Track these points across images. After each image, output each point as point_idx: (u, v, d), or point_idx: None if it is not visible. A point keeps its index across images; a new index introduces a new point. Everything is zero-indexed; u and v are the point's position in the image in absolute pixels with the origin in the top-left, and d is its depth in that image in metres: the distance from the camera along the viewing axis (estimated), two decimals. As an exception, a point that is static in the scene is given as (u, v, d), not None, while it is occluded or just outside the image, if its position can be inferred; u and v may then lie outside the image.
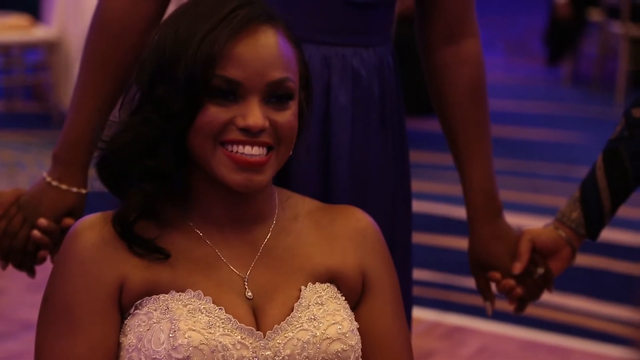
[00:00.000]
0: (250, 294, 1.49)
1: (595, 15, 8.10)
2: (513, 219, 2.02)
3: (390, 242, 1.82)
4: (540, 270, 1.86)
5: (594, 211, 1.83)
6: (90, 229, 1.49)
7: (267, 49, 1.47)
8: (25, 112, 6.90)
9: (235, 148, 1.46)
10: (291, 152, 1.54)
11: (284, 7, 1.71)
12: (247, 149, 1.46)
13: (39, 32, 6.52)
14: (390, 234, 1.82)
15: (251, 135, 1.45)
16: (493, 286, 1.91)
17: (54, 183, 1.77)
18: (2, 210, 1.75)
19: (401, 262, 1.87)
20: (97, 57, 1.77)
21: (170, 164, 1.48)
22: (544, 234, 1.86)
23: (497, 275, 1.87)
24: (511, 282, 1.86)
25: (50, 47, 6.48)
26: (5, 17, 6.50)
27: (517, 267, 1.86)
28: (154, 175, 1.48)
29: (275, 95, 1.47)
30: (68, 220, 1.73)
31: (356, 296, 1.57)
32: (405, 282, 1.88)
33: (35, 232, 1.75)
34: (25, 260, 1.78)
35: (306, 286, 1.52)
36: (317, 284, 1.53)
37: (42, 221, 1.74)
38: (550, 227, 1.87)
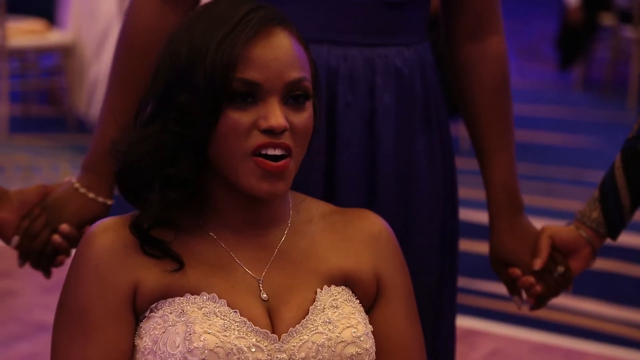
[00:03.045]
0: (265, 295, 1.50)
1: (607, 19, 8.08)
2: (525, 223, 2.02)
3: (438, 245, 1.84)
4: (561, 269, 1.87)
5: (614, 210, 1.83)
6: (105, 232, 1.50)
7: (283, 50, 1.48)
8: (40, 116, 6.92)
9: (261, 151, 1.47)
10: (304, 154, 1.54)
11: (325, 12, 1.73)
12: (270, 151, 1.47)
13: (54, 37, 6.54)
14: (438, 237, 1.83)
15: (274, 136, 1.46)
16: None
17: (82, 190, 1.78)
18: (26, 210, 1.75)
19: (449, 268, 1.88)
20: (122, 71, 1.79)
21: (191, 171, 1.48)
22: (564, 232, 1.87)
23: (517, 271, 1.88)
24: (531, 279, 1.87)
25: (65, 52, 6.51)
26: (20, 22, 6.53)
27: (537, 264, 1.86)
28: (175, 183, 1.48)
29: (292, 96, 1.49)
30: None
31: (370, 299, 1.58)
32: (450, 289, 1.90)
33: (56, 237, 1.75)
34: (43, 261, 1.79)
35: (321, 289, 1.53)
36: (332, 287, 1.54)
37: (65, 227, 1.75)
38: (571, 227, 1.87)
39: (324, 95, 1.76)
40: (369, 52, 1.78)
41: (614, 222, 1.84)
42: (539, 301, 1.91)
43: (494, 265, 1.92)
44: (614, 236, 1.87)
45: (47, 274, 1.81)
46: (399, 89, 1.79)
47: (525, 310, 1.94)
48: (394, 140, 1.79)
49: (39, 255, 1.76)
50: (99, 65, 6.35)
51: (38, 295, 4.03)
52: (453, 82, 1.91)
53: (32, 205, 1.76)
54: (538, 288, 1.87)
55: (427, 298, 1.84)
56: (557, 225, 1.90)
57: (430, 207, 1.83)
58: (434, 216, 1.83)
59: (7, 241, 1.77)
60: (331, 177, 1.77)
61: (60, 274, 1.59)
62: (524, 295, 1.92)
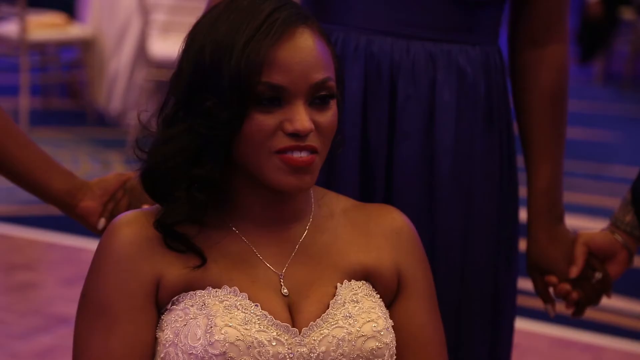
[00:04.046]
0: (285, 290, 1.51)
1: (627, 13, 8.05)
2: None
3: (495, 243, 1.84)
4: (598, 275, 1.86)
5: None
6: (128, 226, 1.51)
7: (307, 51, 1.48)
8: (60, 109, 6.95)
9: (285, 153, 1.47)
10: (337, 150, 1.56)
11: (391, 5, 1.74)
12: (296, 154, 1.47)
13: (75, 31, 6.56)
14: (495, 235, 1.83)
15: (299, 139, 1.46)
16: (551, 289, 1.91)
17: None
18: (106, 197, 1.79)
19: (506, 266, 1.88)
20: None
21: (216, 171, 1.48)
22: (598, 237, 1.86)
23: (553, 279, 1.88)
24: (567, 287, 1.86)
25: (85, 45, 6.53)
26: (41, 15, 6.55)
27: (573, 272, 1.85)
28: (202, 183, 1.49)
29: (317, 97, 1.48)
30: None
31: (391, 294, 1.58)
32: (508, 287, 1.89)
33: None
34: None
35: (342, 283, 1.53)
36: (353, 282, 1.54)
37: (147, 207, 1.78)
38: (606, 231, 1.87)
39: (386, 87, 1.77)
40: (432, 47, 1.78)
41: None
42: (578, 308, 1.90)
43: (530, 272, 1.92)
44: None
45: None
46: (460, 87, 1.79)
47: (545, 308, 1.94)
48: (453, 137, 1.79)
49: None
50: (119, 59, 6.37)
51: (59, 288, 4.05)
52: (511, 85, 1.91)
53: (112, 192, 1.81)
54: (575, 295, 1.87)
55: (486, 294, 1.85)
56: (592, 232, 1.89)
57: (487, 207, 1.83)
58: (491, 215, 1.83)
59: (93, 227, 1.81)
60: (391, 168, 1.78)
61: (80, 266, 1.60)
62: (554, 303, 1.92)
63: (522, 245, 1.95)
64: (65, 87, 7.18)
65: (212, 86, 1.46)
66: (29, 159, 1.76)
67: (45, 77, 7.00)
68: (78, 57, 6.91)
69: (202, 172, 1.48)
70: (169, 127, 1.50)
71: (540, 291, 1.92)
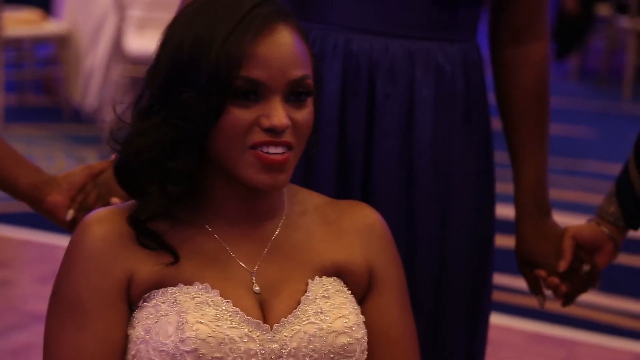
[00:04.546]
0: (257, 288, 1.51)
1: (603, 9, 8.09)
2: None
3: (472, 241, 1.84)
4: (586, 267, 1.88)
5: (630, 203, 1.84)
6: (99, 223, 1.50)
7: (286, 47, 1.48)
8: (36, 105, 6.92)
9: (260, 149, 1.47)
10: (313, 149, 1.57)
11: (370, 3, 1.74)
12: (272, 149, 1.47)
13: (50, 27, 6.54)
14: (472, 232, 1.84)
15: (275, 134, 1.46)
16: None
17: None
18: (74, 191, 1.79)
19: (483, 261, 1.88)
20: None
21: (191, 165, 1.48)
22: (585, 230, 1.88)
23: (542, 273, 1.89)
24: (556, 280, 1.88)
25: (61, 42, 6.50)
26: (16, 11, 6.52)
27: (562, 265, 1.87)
28: (175, 177, 1.49)
29: (294, 93, 1.49)
30: None
31: (362, 291, 1.58)
32: (484, 284, 1.90)
33: None
34: None
35: (313, 280, 1.53)
36: (324, 278, 1.54)
37: (115, 200, 1.78)
38: (592, 223, 1.88)
39: (364, 85, 1.77)
40: (411, 45, 1.78)
41: (632, 214, 1.85)
42: (567, 299, 1.92)
43: (519, 266, 1.93)
44: (635, 227, 1.88)
45: None
46: (438, 84, 1.79)
47: (524, 301, 1.95)
48: (432, 134, 1.79)
49: None
50: (95, 55, 6.35)
51: (34, 285, 4.04)
52: (493, 83, 1.92)
53: (80, 185, 1.80)
54: (563, 288, 1.89)
55: (463, 291, 1.85)
56: (579, 224, 1.91)
57: (465, 203, 1.83)
58: (468, 213, 1.84)
59: (61, 222, 1.80)
60: (369, 167, 1.78)
61: (54, 264, 1.59)
62: (546, 294, 1.94)
63: (507, 242, 1.96)
64: (40, 83, 7.16)
65: (190, 79, 1.45)
66: None
67: (20, 74, 6.97)
68: (54, 53, 6.89)
69: (176, 165, 1.48)
70: (145, 120, 1.49)
71: (532, 285, 1.93)
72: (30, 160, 1.82)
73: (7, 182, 1.78)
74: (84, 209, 1.78)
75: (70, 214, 1.79)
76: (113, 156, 1.80)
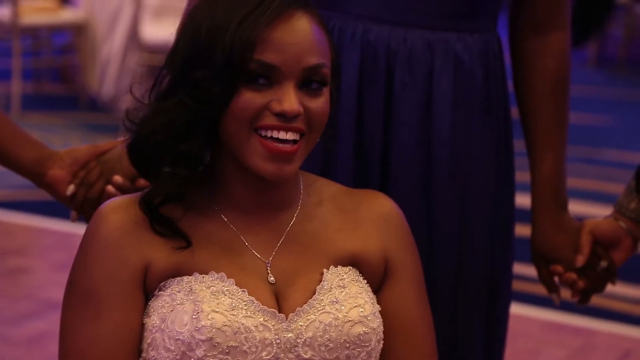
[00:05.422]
0: (272, 278, 1.51)
1: (622, -4, 8.05)
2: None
3: (491, 232, 1.83)
4: (604, 263, 1.86)
5: None
6: (115, 212, 1.50)
7: (303, 34, 1.48)
8: (52, 94, 6.93)
9: (269, 133, 1.46)
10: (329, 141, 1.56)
11: None
12: (282, 134, 1.46)
13: (67, 15, 6.55)
14: (491, 222, 1.83)
15: (286, 120, 1.46)
16: (556, 277, 1.91)
17: None
18: (77, 167, 1.80)
19: (502, 253, 1.87)
20: None
21: (203, 148, 1.48)
22: (603, 225, 1.86)
23: (559, 268, 1.88)
24: (573, 276, 1.87)
25: (78, 30, 6.51)
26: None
27: (579, 260, 1.86)
28: (186, 159, 1.49)
29: (310, 81, 1.48)
30: (142, 181, 1.77)
31: (378, 280, 1.58)
32: (505, 273, 1.89)
33: (110, 187, 1.79)
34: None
35: (328, 269, 1.53)
36: (339, 267, 1.54)
37: (118, 178, 1.78)
38: (610, 219, 1.87)
39: (382, 75, 1.76)
40: (430, 35, 1.77)
41: None
42: (584, 296, 1.91)
43: (534, 261, 1.92)
44: None
45: None
46: (457, 75, 1.79)
47: (541, 290, 1.94)
48: (450, 125, 1.78)
49: (94, 206, 1.79)
50: (111, 44, 6.36)
51: (51, 273, 4.05)
52: (513, 73, 1.91)
53: (83, 162, 1.81)
54: (581, 284, 1.87)
55: (482, 281, 1.85)
56: (597, 219, 1.89)
57: (484, 194, 1.83)
58: (487, 203, 1.83)
59: (62, 196, 1.81)
60: (387, 156, 1.77)
61: (71, 251, 1.60)
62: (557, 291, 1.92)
63: (524, 230, 1.95)
64: (57, 71, 7.17)
65: (206, 61, 1.46)
66: None
67: (37, 62, 6.98)
68: (70, 42, 6.90)
69: (187, 147, 1.48)
70: (161, 102, 1.50)
71: (545, 280, 1.92)
72: (31, 135, 1.83)
73: (9, 156, 1.79)
74: (85, 185, 1.79)
75: (70, 189, 1.80)
76: (120, 138, 1.80)
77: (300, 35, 1.47)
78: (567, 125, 1.90)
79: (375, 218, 1.59)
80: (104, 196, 1.80)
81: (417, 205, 1.78)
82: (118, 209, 1.51)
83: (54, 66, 7.12)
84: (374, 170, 1.78)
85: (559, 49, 1.87)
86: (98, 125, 6.12)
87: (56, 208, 1.94)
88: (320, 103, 1.49)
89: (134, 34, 6.12)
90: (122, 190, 1.79)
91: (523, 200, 1.98)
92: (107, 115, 6.28)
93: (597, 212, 1.94)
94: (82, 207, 1.83)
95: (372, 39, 1.77)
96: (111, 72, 6.36)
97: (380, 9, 1.76)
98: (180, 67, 1.48)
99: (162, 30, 5.78)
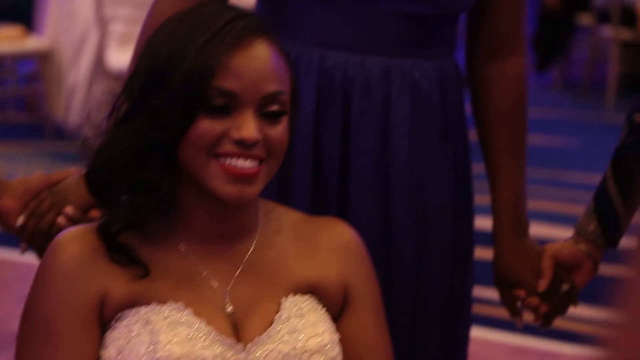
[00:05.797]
0: (230, 308, 1.50)
1: (585, 19, 8.11)
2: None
3: (449, 256, 1.83)
4: (566, 287, 1.86)
5: (610, 221, 1.83)
6: (71, 242, 1.49)
7: (262, 61, 1.47)
8: (17, 122, 6.89)
9: (228, 161, 1.46)
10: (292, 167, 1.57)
11: (345, 19, 1.73)
12: (241, 162, 1.46)
13: (32, 43, 6.52)
14: (450, 248, 1.83)
15: (245, 147, 1.46)
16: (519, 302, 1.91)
17: None
18: (29, 196, 1.77)
19: (461, 278, 1.87)
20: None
21: (160, 175, 1.48)
22: (564, 249, 1.86)
23: (522, 293, 1.88)
24: (535, 301, 1.87)
25: (43, 58, 6.49)
26: (-3, 28, 6.51)
27: (542, 285, 1.86)
28: (144, 186, 1.48)
29: (268, 108, 1.48)
30: (95, 213, 1.75)
31: (337, 308, 1.57)
32: (464, 299, 1.89)
33: (61, 219, 1.77)
34: (46, 246, 1.80)
35: (287, 298, 1.53)
36: (298, 296, 1.54)
37: (69, 209, 1.76)
38: (570, 242, 1.87)
39: (339, 102, 1.76)
40: (387, 62, 1.77)
41: (612, 231, 1.84)
42: (547, 319, 1.91)
43: (497, 285, 1.92)
44: (614, 245, 1.86)
45: None
46: (414, 101, 1.78)
47: (505, 314, 1.94)
48: (408, 152, 1.78)
49: (44, 238, 1.77)
50: (77, 71, 6.34)
51: (14, 306, 4.01)
52: (470, 98, 1.91)
53: (35, 192, 1.78)
54: (544, 308, 1.88)
55: (441, 306, 1.84)
56: (558, 243, 1.89)
57: (442, 220, 1.82)
58: (446, 228, 1.83)
59: (11, 227, 1.78)
60: (345, 184, 1.77)
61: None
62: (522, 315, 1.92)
63: (486, 253, 1.95)
64: (22, 100, 7.13)
65: (164, 87, 1.45)
66: None
67: (2, 91, 6.95)
68: (36, 70, 6.87)
69: (145, 174, 1.47)
70: (119, 129, 1.49)
71: (508, 304, 1.92)
72: None
73: None
74: (35, 216, 1.77)
75: (20, 219, 1.77)
76: (73, 169, 1.79)
77: (260, 62, 1.47)
78: (525, 149, 1.90)
79: (334, 246, 1.59)
80: (54, 228, 1.79)
81: (375, 233, 1.78)
82: (75, 239, 1.50)
83: (19, 95, 7.09)
84: (332, 199, 1.78)
85: (515, 74, 1.88)
86: (64, 154, 6.09)
87: (20, 240, 1.92)
88: (279, 130, 1.49)
89: (99, 61, 6.11)
90: (73, 221, 1.78)
91: (485, 223, 1.98)
92: (74, 144, 6.24)
93: (562, 235, 1.95)
94: (32, 238, 1.81)
95: (329, 66, 1.77)
96: (77, 99, 6.33)
97: (337, 35, 1.76)
98: (139, 92, 1.48)
99: (128, 57, 5.74)
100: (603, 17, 7.83)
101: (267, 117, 1.48)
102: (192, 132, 1.45)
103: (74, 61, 6.35)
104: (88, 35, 6.27)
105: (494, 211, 1.89)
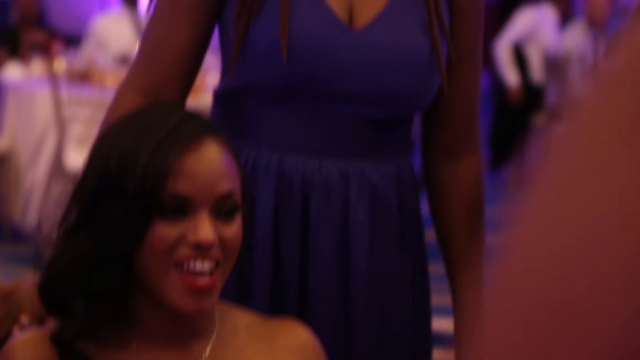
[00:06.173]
0: None
1: (540, 118, 8.23)
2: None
3: (409, 356, 1.82)
4: None
5: None
6: (24, 348, 1.48)
7: (214, 162, 1.48)
8: (-26, 225, 6.84)
9: (185, 265, 1.45)
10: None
11: (303, 122, 1.74)
12: (198, 264, 1.45)
13: (-11, 145, 6.51)
14: (409, 351, 1.82)
15: (202, 250, 1.45)
16: None
17: None
18: None
19: None
20: None
21: (116, 285, 1.47)
22: None
23: None
24: None
25: (0, 160, 6.47)
26: (-46, 130, 6.49)
27: None
28: (99, 295, 1.47)
29: (222, 208, 1.48)
30: (51, 322, 1.73)
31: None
32: None
33: (17, 329, 1.75)
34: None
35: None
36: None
37: (24, 318, 1.75)
38: None
39: (298, 205, 1.76)
40: (344, 165, 1.77)
41: None
42: None
43: None
44: None
45: None
46: (373, 204, 1.78)
47: None
48: (367, 256, 1.78)
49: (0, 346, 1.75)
50: (35, 173, 6.32)
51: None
52: (427, 199, 1.92)
53: None
54: None
55: None
56: None
57: (400, 323, 1.82)
58: (405, 331, 1.83)
59: None
60: (305, 287, 1.76)
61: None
62: None
63: (445, 355, 1.95)
64: (-20, 202, 7.07)
65: (117, 195, 1.44)
66: None
67: (-41, 192, 6.89)
68: (-7, 172, 6.83)
69: (101, 284, 1.46)
70: (70, 237, 1.48)
71: None
72: None
73: None
74: None
75: None
76: (28, 275, 1.78)
77: (212, 163, 1.48)
78: (483, 250, 1.91)
79: (291, 348, 1.58)
80: (9, 338, 1.77)
81: (335, 334, 1.77)
82: (27, 345, 1.49)
83: (-24, 196, 7.03)
84: (291, 300, 1.77)
85: (471, 174, 1.89)
86: (21, 256, 6.03)
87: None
88: (234, 229, 1.49)
89: (58, 162, 6.10)
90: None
91: (442, 324, 1.98)
92: (31, 246, 6.18)
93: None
94: None
95: (287, 169, 1.77)
96: (35, 201, 6.31)
97: (294, 138, 1.77)
98: (90, 199, 1.47)
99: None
100: (556, 115, 7.94)
101: (222, 217, 1.48)
102: (149, 238, 1.44)
103: (32, 162, 6.34)
104: (46, 136, 6.27)
105: (455, 311, 1.89)
